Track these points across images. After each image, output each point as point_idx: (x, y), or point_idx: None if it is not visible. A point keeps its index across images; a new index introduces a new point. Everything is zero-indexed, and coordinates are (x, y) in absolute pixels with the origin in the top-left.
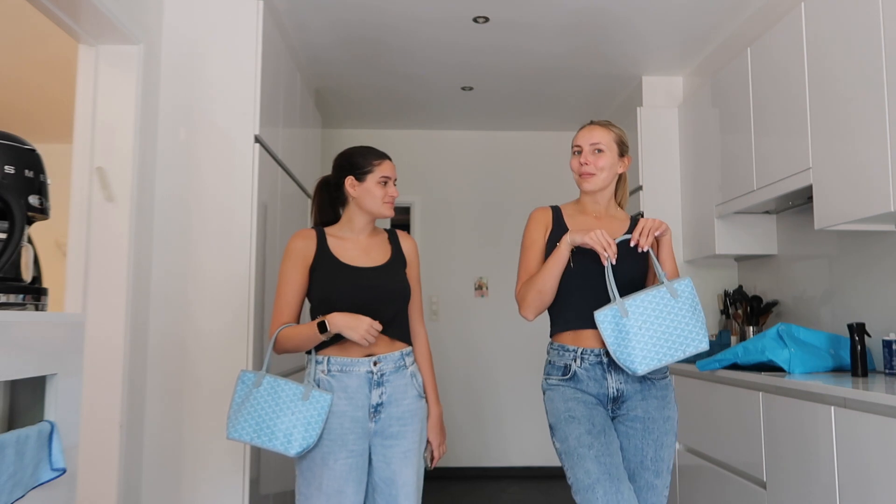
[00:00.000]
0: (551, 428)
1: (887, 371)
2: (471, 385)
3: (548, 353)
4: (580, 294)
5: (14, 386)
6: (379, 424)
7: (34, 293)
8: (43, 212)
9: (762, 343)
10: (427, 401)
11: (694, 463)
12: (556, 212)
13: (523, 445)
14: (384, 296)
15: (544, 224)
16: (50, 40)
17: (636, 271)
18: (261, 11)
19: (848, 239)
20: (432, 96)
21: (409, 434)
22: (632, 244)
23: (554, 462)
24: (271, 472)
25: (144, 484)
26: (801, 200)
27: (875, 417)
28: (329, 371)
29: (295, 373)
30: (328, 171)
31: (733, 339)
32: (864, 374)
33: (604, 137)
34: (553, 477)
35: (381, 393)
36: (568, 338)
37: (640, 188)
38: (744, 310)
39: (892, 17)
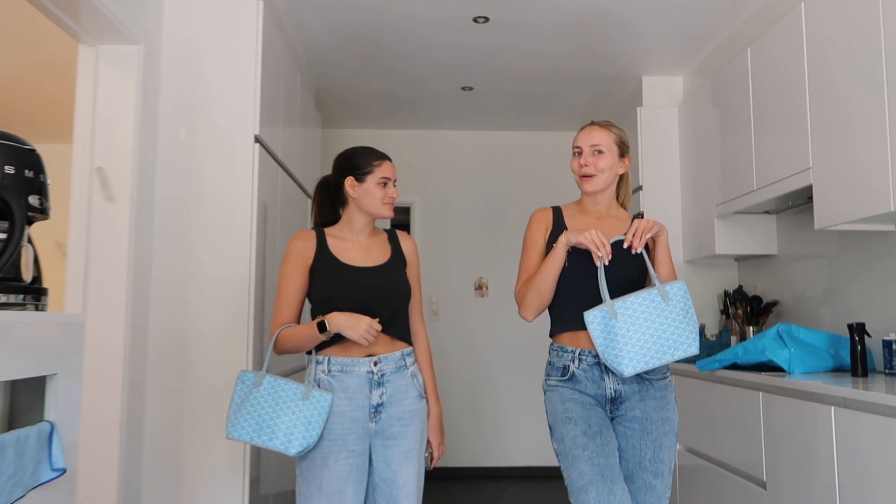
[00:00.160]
0: (550, 429)
1: (887, 371)
2: (471, 385)
3: (549, 353)
4: (578, 295)
5: (14, 386)
6: (379, 424)
7: (34, 293)
8: (43, 212)
9: (762, 343)
10: (427, 401)
11: (694, 463)
12: (557, 212)
13: (523, 445)
14: (384, 296)
15: (545, 224)
16: (50, 40)
17: (633, 272)
18: (261, 11)
19: (848, 239)
20: (432, 96)
21: (410, 434)
22: (624, 246)
23: (554, 462)
24: (271, 472)
25: (144, 484)
26: (801, 200)
27: (875, 417)
28: (329, 371)
29: (295, 373)
30: (328, 171)
31: (733, 339)
32: (864, 374)
33: (604, 139)
34: (553, 477)
35: (382, 393)
36: (566, 339)
37: (640, 188)
38: (744, 310)
39: (892, 17)
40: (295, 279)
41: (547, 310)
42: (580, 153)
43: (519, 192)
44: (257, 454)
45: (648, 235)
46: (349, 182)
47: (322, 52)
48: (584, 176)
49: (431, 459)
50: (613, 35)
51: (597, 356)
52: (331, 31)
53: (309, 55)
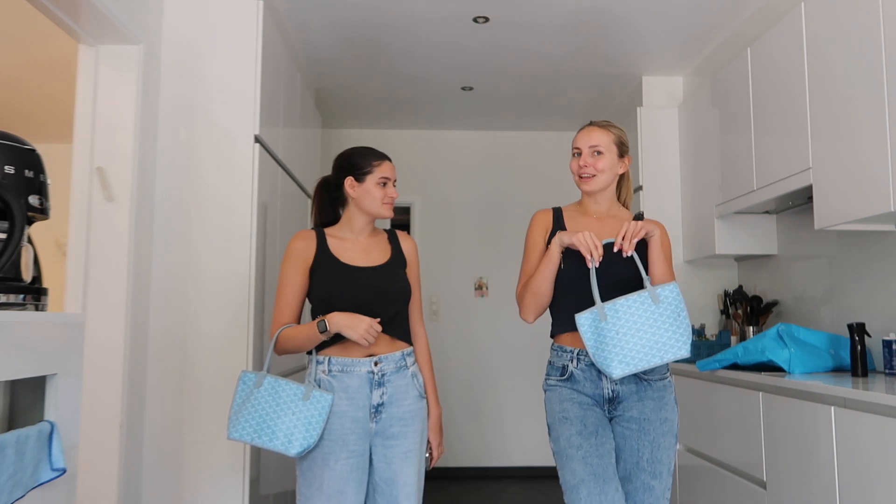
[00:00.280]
0: (548, 428)
1: (887, 371)
2: (471, 385)
3: (550, 353)
4: (576, 295)
5: (14, 386)
6: (380, 425)
7: (34, 293)
8: (43, 212)
9: (762, 343)
10: (427, 401)
11: (694, 463)
12: (557, 213)
13: (523, 445)
14: (384, 296)
15: (545, 226)
16: (50, 40)
17: (628, 272)
18: (261, 11)
19: (848, 239)
20: (432, 96)
21: (410, 434)
22: (615, 249)
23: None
24: (271, 472)
25: (144, 484)
26: (801, 200)
27: (875, 417)
28: (330, 371)
29: (296, 372)
30: (328, 171)
31: (733, 339)
32: (864, 374)
33: (602, 139)
34: (553, 477)
35: (382, 393)
36: (566, 339)
37: (640, 188)
38: (744, 310)
39: (892, 17)
40: (295, 279)
41: (548, 310)
42: (579, 154)
43: (519, 192)
44: (257, 454)
45: (636, 239)
46: (349, 182)
47: (322, 52)
48: (583, 177)
49: (431, 460)
50: (613, 35)
51: None
52: (331, 31)
53: (309, 55)
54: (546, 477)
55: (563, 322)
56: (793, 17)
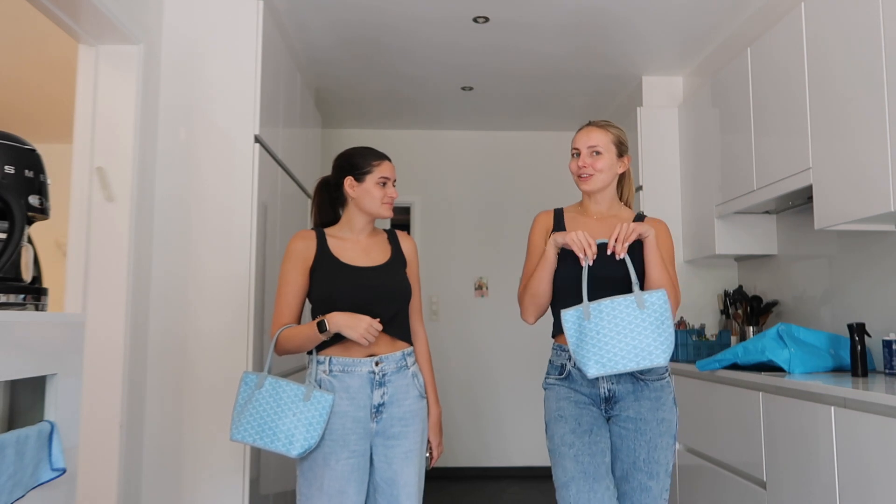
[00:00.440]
0: (545, 426)
1: (887, 371)
2: (471, 385)
3: (550, 352)
4: (575, 296)
5: (14, 386)
6: (380, 425)
7: (34, 293)
8: (43, 212)
9: (762, 343)
10: (427, 401)
11: (694, 463)
12: (558, 214)
13: (523, 445)
14: (385, 295)
15: (545, 227)
16: (50, 40)
17: (622, 272)
18: (261, 11)
19: (848, 239)
20: (432, 96)
21: (411, 434)
22: (608, 252)
23: None
24: (271, 472)
25: (144, 484)
26: (801, 200)
27: (875, 417)
28: (331, 371)
29: (296, 373)
30: (328, 171)
31: (733, 339)
32: (864, 374)
33: (601, 139)
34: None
35: (383, 393)
36: (565, 339)
37: (640, 188)
38: (744, 310)
39: (892, 17)
40: (295, 279)
41: (550, 310)
42: (578, 154)
43: (519, 192)
44: (257, 454)
45: (627, 243)
46: (348, 182)
47: (322, 52)
48: (581, 176)
49: (431, 459)
50: (613, 35)
51: None
52: (331, 31)
53: (309, 55)
54: (546, 477)
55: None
56: (793, 17)
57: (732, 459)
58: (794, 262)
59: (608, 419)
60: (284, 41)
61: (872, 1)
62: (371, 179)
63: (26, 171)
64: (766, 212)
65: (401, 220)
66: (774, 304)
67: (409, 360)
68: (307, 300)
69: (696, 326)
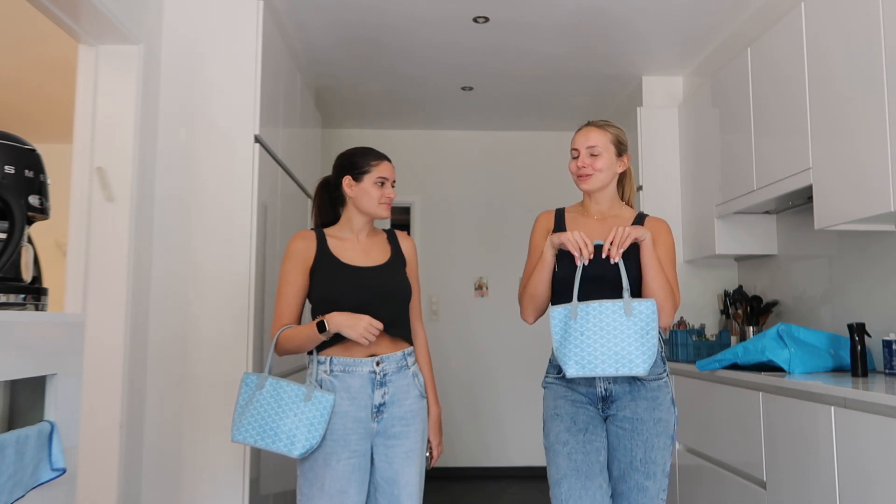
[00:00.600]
0: (543, 424)
1: (887, 371)
2: (470, 385)
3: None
4: (570, 294)
5: (14, 386)
6: (381, 424)
7: (34, 293)
8: (43, 212)
9: (762, 343)
10: (427, 401)
11: (694, 463)
12: (559, 214)
13: (523, 445)
14: (385, 295)
15: (546, 228)
16: (50, 40)
17: (615, 271)
18: (261, 12)
19: (848, 239)
20: (432, 96)
21: (412, 434)
22: (603, 255)
23: None
24: (271, 472)
25: (144, 484)
26: (801, 200)
27: (875, 417)
28: (332, 371)
29: (296, 373)
30: (328, 171)
31: (733, 339)
32: (864, 374)
33: (600, 139)
34: None
35: (384, 393)
36: None
37: (640, 188)
38: (744, 310)
39: (892, 17)
40: (295, 279)
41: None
42: (577, 155)
43: (519, 192)
44: (257, 454)
45: (622, 249)
46: (347, 181)
47: (322, 52)
48: (581, 176)
49: (431, 459)
50: (613, 35)
51: None
52: (331, 31)
53: (309, 55)
54: (546, 477)
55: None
56: (793, 17)
57: (732, 459)
58: (794, 262)
59: (606, 419)
60: (284, 41)
61: (872, 1)
62: (369, 179)
63: (26, 171)
64: (766, 212)
65: (401, 220)
66: (774, 304)
67: (410, 360)
68: (307, 300)
69: (696, 326)
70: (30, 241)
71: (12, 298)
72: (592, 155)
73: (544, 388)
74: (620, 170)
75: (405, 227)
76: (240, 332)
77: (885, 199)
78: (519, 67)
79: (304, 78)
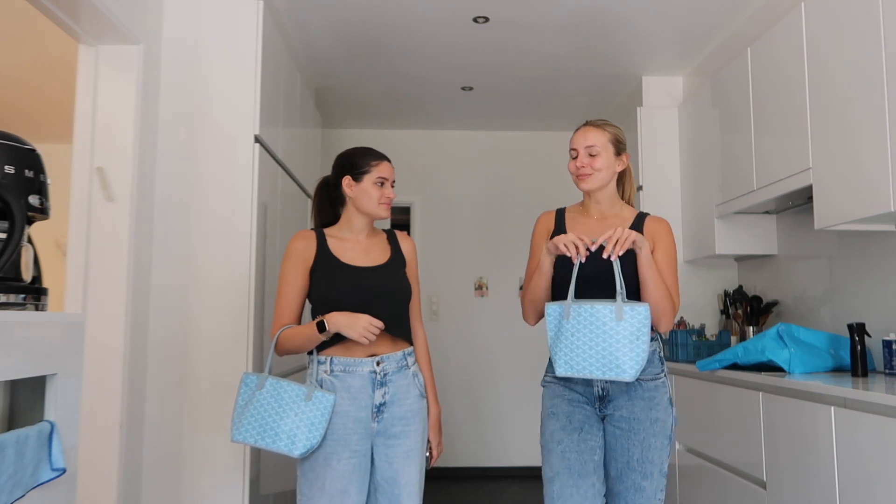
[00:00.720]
0: (540, 423)
1: (887, 371)
2: (470, 385)
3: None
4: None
5: (14, 386)
6: (382, 424)
7: (34, 293)
8: (43, 212)
9: (762, 343)
10: (426, 400)
11: (694, 463)
12: (560, 214)
13: (523, 445)
14: (385, 295)
15: (546, 229)
16: (50, 40)
17: (609, 271)
18: (261, 11)
19: (848, 239)
20: (432, 96)
21: (412, 434)
22: (604, 256)
23: None
24: (271, 472)
25: (144, 484)
26: (801, 200)
27: (875, 417)
28: (332, 371)
29: (296, 372)
30: (328, 171)
31: (733, 339)
32: (864, 374)
33: (598, 139)
34: None
35: (384, 393)
36: None
37: (640, 188)
38: (744, 310)
39: (892, 17)
40: (295, 279)
41: None
42: (576, 155)
43: (519, 192)
44: (257, 454)
45: (621, 251)
46: (346, 181)
47: (322, 52)
48: (580, 176)
49: (430, 459)
50: (613, 35)
51: None
52: (331, 31)
53: (309, 55)
54: None
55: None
56: (793, 17)
57: (732, 459)
58: (794, 262)
59: (603, 418)
60: (284, 41)
61: (872, 1)
62: (369, 179)
63: (26, 171)
64: (766, 212)
65: (401, 220)
66: (774, 304)
67: (410, 360)
68: (307, 300)
69: (696, 326)
70: (30, 241)
71: (12, 298)
72: (591, 155)
73: (543, 386)
74: (619, 169)
75: (405, 227)
76: (240, 332)
77: (885, 199)
78: (519, 67)
79: (304, 78)
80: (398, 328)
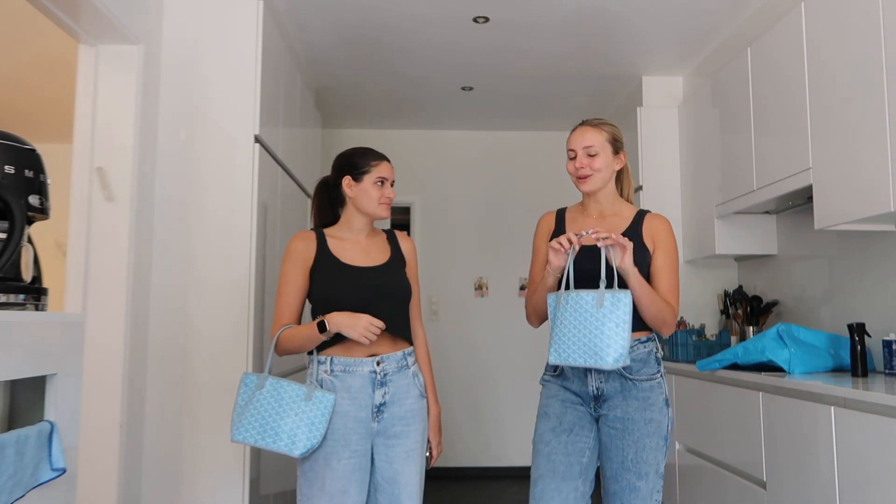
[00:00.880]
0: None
1: (887, 371)
2: (470, 385)
3: None
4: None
5: (14, 386)
6: (382, 424)
7: (34, 293)
8: (43, 212)
9: (762, 343)
10: (426, 400)
11: (694, 463)
12: (560, 214)
13: (523, 445)
14: (385, 295)
15: (548, 229)
16: (50, 40)
17: (596, 264)
18: (261, 12)
19: (848, 239)
20: (432, 96)
21: (412, 433)
22: (592, 235)
23: None
24: (271, 472)
25: (144, 484)
26: (801, 200)
27: (875, 417)
28: (332, 371)
29: (296, 372)
30: (328, 171)
31: (733, 339)
32: (864, 374)
33: (596, 139)
34: None
35: (385, 393)
36: None
37: (640, 188)
38: (744, 310)
39: (892, 17)
40: (295, 280)
41: None
42: (574, 156)
43: (519, 192)
44: (257, 454)
45: (607, 243)
46: (346, 181)
47: (322, 52)
48: (580, 177)
49: (430, 459)
50: (613, 35)
51: None
52: (331, 31)
53: (309, 55)
54: None
55: None
56: (793, 17)
57: (732, 459)
58: (794, 262)
59: (598, 418)
60: (284, 41)
61: (872, 1)
62: (369, 179)
63: (26, 171)
64: (766, 212)
65: (401, 220)
66: (774, 304)
67: (410, 360)
68: (307, 300)
69: (696, 326)
70: (30, 241)
71: (12, 298)
72: (590, 155)
73: (541, 384)
74: (618, 167)
75: (405, 227)
76: (240, 332)
77: (885, 199)
78: (519, 67)
79: (304, 78)
80: (398, 328)
